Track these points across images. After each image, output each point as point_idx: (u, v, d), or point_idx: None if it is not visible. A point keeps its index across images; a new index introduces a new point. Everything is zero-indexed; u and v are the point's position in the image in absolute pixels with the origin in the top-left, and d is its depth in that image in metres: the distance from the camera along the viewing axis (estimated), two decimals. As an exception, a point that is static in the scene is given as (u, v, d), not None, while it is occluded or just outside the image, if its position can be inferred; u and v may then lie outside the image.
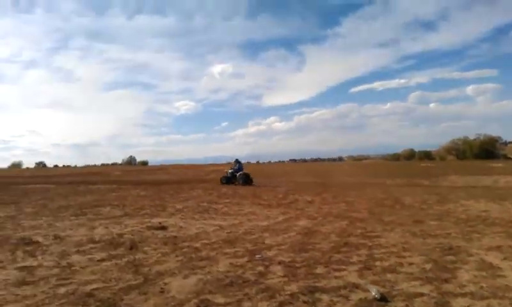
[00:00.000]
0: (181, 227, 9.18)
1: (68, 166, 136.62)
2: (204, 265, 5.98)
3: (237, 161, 24.51)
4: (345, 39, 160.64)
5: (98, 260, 6.33)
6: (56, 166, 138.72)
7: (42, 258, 6.47)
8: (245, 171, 24.39)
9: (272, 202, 14.14)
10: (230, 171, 24.38)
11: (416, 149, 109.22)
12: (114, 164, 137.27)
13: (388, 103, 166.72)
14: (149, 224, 9.45)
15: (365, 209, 11.85)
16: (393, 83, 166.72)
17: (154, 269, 5.80)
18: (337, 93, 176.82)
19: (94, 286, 5.03)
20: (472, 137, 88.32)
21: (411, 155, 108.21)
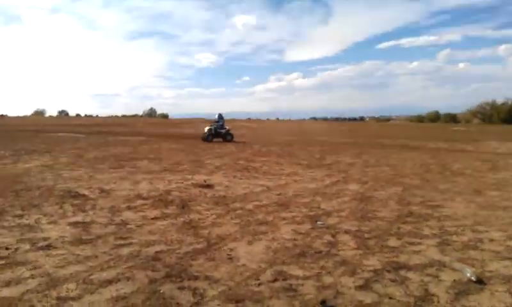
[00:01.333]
0: (227, 186, 8.81)
1: (90, 116, 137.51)
2: (265, 231, 5.59)
3: (220, 116, 22.80)
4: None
5: (152, 219, 6.02)
6: (78, 115, 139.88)
7: (94, 214, 6.20)
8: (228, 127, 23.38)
9: (311, 163, 13.62)
10: (212, 127, 22.38)
11: (441, 112, 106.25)
12: (135, 116, 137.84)
13: (415, 62, 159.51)
14: (194, 182, 9.12)
15: (414, 174, 11.22)
16: (422, 40, 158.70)
17: (214, 232, 5.44)
18: (363, 49, 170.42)
19: (157, 248, 4.70)
20: (500, 101, 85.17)
21: (436, 118, 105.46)
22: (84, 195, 7.53)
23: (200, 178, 9.69)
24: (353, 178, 10.51)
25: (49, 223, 5.62)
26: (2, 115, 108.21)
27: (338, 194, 8.38)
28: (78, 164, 11.88)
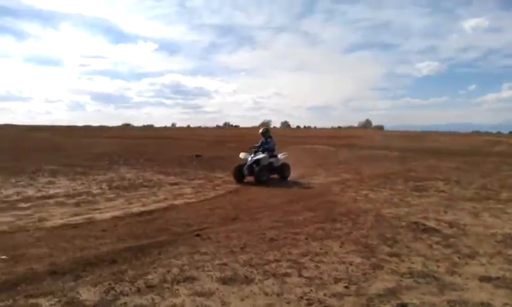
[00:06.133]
0: None
1: (309, 127, 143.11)
2: None
3: (266, 133, 12.06)
4: None
5: None
6: (298, 127, 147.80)
7: (500, 269, 4.46)
8: None
9: None
10: (260, 154, 11.47)
11: None
12: (350, 127, 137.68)
13: None
14: None
15: None
16: None
17: None
18: None
19: None
20: None
21: None
22: (434, 229, 6.03)
23: None
24: None
25: (450, 273, 4.17)
26: (236, 126, 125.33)
27: None
28: (367, 183, 10.87)
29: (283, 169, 11.82)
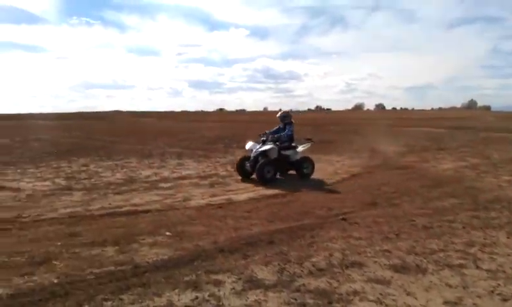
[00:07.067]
0: None
1: (406, 109, 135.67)
2: None
3: (286, 117, 9.31)
4: None
5: None
6: (393, 109, 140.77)
7: None
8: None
9: None
10: (264, 147, 8.74)
11: None
12: (452, 108, 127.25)
13: None
14: None
15: None
16: None
17: None
18: None
19: None
20: None
21: None
22: None
23: None
24: None
25: None
26: (327, 109, 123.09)
27: None
28: (503, 168, 9.99)
29: (303, 165, 9.01)
